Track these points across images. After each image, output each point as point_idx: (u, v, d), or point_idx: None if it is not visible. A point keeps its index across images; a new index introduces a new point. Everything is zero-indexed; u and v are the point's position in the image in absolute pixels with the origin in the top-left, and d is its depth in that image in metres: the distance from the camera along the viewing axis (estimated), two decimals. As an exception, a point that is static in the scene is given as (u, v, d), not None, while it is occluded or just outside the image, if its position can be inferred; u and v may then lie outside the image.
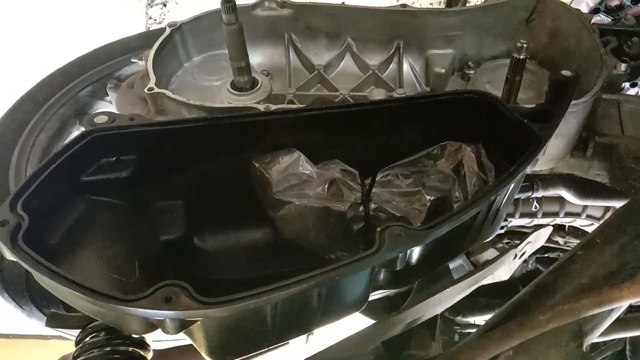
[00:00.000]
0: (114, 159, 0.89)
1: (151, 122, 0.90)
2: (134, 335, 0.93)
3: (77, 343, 0.92)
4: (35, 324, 1.26)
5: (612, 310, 0.82)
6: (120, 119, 0.89)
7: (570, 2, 2.04)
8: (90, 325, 0.91)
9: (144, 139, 0.89)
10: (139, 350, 0.93)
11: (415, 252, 0.80)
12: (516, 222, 1.18)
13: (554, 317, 0.73)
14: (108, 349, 0.89)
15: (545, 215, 1.18)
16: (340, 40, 1.53)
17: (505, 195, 0.90)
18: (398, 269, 0.78)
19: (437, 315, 1.03)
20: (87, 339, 0.91)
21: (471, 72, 1.54)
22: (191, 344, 1.39)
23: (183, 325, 0.67)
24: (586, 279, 0.82)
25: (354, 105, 0.99)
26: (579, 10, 1.43)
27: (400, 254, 0.75)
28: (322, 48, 1.55)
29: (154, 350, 0.98)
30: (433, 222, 0.76)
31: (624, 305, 0.79)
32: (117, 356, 0.89)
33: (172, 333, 0.68)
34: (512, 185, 0.87)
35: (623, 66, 1.29)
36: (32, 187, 0.77)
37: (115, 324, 0.72)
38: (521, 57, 1.19)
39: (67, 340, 1.16)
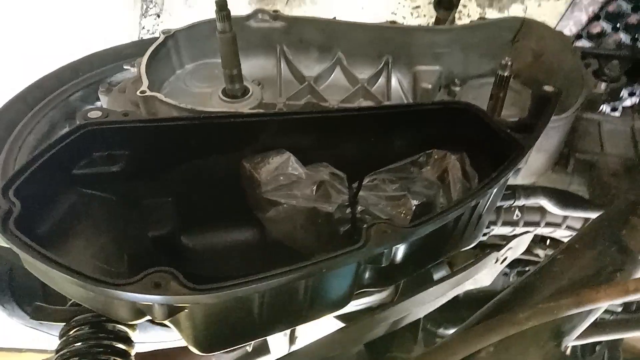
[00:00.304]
0: (106, 153, 0.90)
1: (144, 119, 0.92)
2: (118, 331, 0.94)
3: (60, 336, 0.92)
4: (15, 322, 1.25)
5: (589, 312, 0.84)
6: (114, 115, 0.91)
7: (555, 27, 2.10)
8: (74, 319, 0.92)
9: (137, 134, 0.91)
10: (122, 346, 0.94)
11: (400, 251, 0.82)
12: (498, 230, 1.21)
13: (534, 315, 0.75)
14: (92, 342, 0.90)
15: (526, 224, 1.21)
16: (330, 54, 1.57)
17: (487, 200, 0.92)
18: (383, 265, 0.80)
19: (419, 318, 1.04)
20: (71, 332, 0.91)
21: (457, 88, 1.58)
22: (175, 348, 1.38)
23: (171, 312, 0.68)
24: (565, 281, 0.84)
25: (344, 110, 1.02)
26: (561, 32, 1.49)
27: (386, 250, 0.77)
28: (313, 61, 1.58)
29: (138, 353, 0.98)
30: (418, 221, 0.78)
31: (601, 306, 0.82)
32: (100, 350, 0.89)
33: (160, 319, 0.68)
34: (495, 190, 0.89)
35: (603, 85, 1.34)
36: (25, 176, 0.78)
37: (103, 310, 0.73)
38: (505, 74, 1.22)
39: (42, 352, 1.15)
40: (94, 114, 0.90)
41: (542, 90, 1.13)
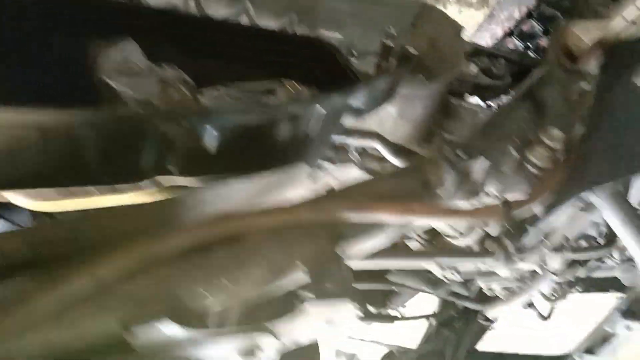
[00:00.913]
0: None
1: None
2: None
3: None
4: None
5: (375, 229, 0.89)
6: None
7: (471, 37, 2.21)
8: None
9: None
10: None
11: (209, 137, 0.84)
12: (338, 170, 1.26)
13: (309, 208, 0.80)
14: None
15: (366, 171, 1.27)
16: (239, 1, 1.60)
17: (312, 118, 0.96)
18: (188, 146, 0.83)
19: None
20: None
21: (354, 60, 1.64)
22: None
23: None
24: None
25: (207, 19, 1.05)
26: (456, 21, 1.57)
27: (185, 123, 0.79)
28: (222, 4, 1.61)
29: None
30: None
31: (382, 221, 0.86)
32: None
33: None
34: (317, 109, 0.93)
35: (473, 67, 1.43)
36: None
37: None
38: (389, 43, 1.30)
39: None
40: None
41: (405, 50, 1.21)
